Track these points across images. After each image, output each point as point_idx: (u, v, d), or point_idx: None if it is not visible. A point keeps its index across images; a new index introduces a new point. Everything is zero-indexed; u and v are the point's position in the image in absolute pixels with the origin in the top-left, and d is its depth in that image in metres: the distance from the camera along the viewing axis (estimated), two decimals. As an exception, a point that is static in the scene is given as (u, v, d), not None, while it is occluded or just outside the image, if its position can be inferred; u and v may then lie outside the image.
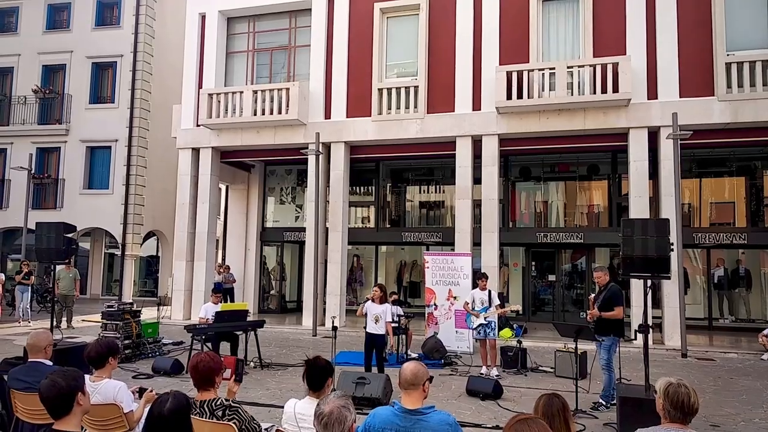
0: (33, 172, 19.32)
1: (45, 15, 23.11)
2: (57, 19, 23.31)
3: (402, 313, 10.83)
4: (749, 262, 16.46)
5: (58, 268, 13.00)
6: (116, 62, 22.12)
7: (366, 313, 8.68)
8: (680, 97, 13.05)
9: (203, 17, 17.29)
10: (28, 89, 22.46)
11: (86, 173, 22.06)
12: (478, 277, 9.88)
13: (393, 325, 10.01)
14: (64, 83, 22.58)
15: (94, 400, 3.77)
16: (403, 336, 10.84)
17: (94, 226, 21.73)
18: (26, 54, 22.88)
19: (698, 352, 12.11)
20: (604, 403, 7.40)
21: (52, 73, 23.04)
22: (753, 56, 12.75)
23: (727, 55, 12.89)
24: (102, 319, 10.69)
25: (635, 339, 12.08)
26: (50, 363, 4.36)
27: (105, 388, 3.96)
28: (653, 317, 12.37)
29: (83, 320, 15.47)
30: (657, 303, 13.22)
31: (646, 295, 6.71)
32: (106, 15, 22.85)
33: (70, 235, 9.55)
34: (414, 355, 10.56)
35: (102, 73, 22.66)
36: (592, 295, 7.82)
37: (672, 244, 6.64)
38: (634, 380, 8.54)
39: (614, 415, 6.59)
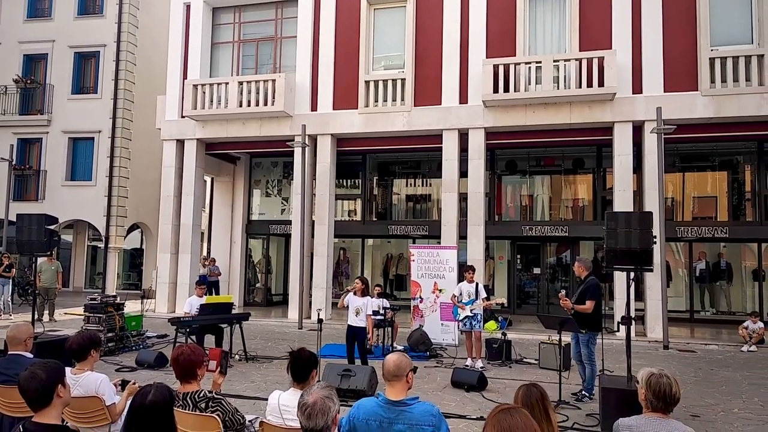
0: (14, 163, 19.00)
1: (26, 3, 22.67)
2: (38, 7, 22.88)
3: (388, 306, 10.85)
4: (730, 256, 16.70)
5: (40, 260, 12.84)
6: (99, 52, 21.80)
7: (347, 305, 8.69)
8: (665, 91, 13.16)
9: (188, 7, 17.08)
10: (9, 79, 22.05)
11: (69, 164, 21.75)
12: (465, 270, 9.91)
13: (378, 317, 10.06)
14: (45, 73, 22.21)
15: (75, 393, 3.73)
16: (389, 328, 10.87)
17: (77, 218, 21.47)
18: (7, 43, 22.45)
19: (680, 343, 12.28)
20: (587, 394, 7.48)
21: (34, 63, 22.66)
22: (736, 51, 12.89)
23: (711, 50, 13.03)
24: (85, 312, 10.59)
25: (618, 331, 12.21)
26: (30, 356, 4.31)
27: (87, 380, 3.93)
28: (636, 309, 12.59)
29: (66, 313, 15.31)
30: (640, 295, 13.38)
31: (629, 287, 6.77)
32: (89, 3, 22.47)
33: (52, 227, 9.41)
34: (400, 348, 10.59)
35: (84, 63, 22.32)
36: (563, 292, 7.86)
37: (655, 237, 6.72)
38: (617, 372, 8.64)
39: (597, 406, 6.66)
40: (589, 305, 7.43)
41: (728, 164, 16.42)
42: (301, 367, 3.60)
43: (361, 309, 8.55)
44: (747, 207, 16.10)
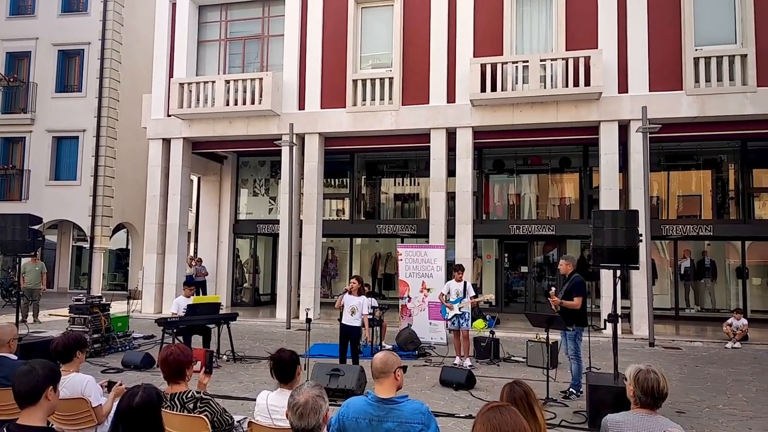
0: (-3, 162, 18.79)
1: (8, 0, 22.35)
2: (21, 4, 22.55)
3: (376, 305, 10.85)
4: (714, 254, 16.89)
5: (24, 261, 12.70)
6: (83, 50, 21.54)
7: (343, 305, 8.68)
8: (650, 91, 13.29)
9: (174, 5, 16.93)
10: (-9, 77, 21.77)
11: (53, 164, 21.47)
12: (455, 269, 9.94)
13: (368, 317, 10.05)
14: (28, 71, 21.90)
15: (61, 395, 3.67)
16: (378, 328, 10.87)
17: (62, 218, 21.21)
18: (-12, 40, 22.14)
19: (665, 341, 12.41)
20: (574, 391, 7.53)
21: (17, 61, 22.33)
22: (720, 51, 13.04)
23: (696, 50, 13.17)
24: (70, 313, 10.47)
25: (605, 328, 12.32)
26: (15, 357, 4.28)
27: (72, 382, 3.88)
28: (622, 307, 12.66)
29: (50, 314, 15.13)
30: (626, 293, 13.48)
31: (615, 285, 6.83)
32: (73, 1, 22.17)
33: (35, 228, 9.31)
34: (388, 347, 10.60)
35: (69, 61, 22.04)
36: (553, 289, 7.92)
37: (641, 235, 6.78)
38: (604, 369, 8.72)
39: (584, 403, 6.71)
40: (577, 301, 7.50)
41: (712, 163, 16.61)
42: (285, 368, 3.61)
43: (357, 308, 8.57)
44: (731, 205, 16.31)
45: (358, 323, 8.60)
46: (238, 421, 3.81)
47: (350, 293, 8.70)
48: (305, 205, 15.63)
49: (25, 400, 2.67)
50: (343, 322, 8.69)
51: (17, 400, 2.69)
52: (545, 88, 13.45)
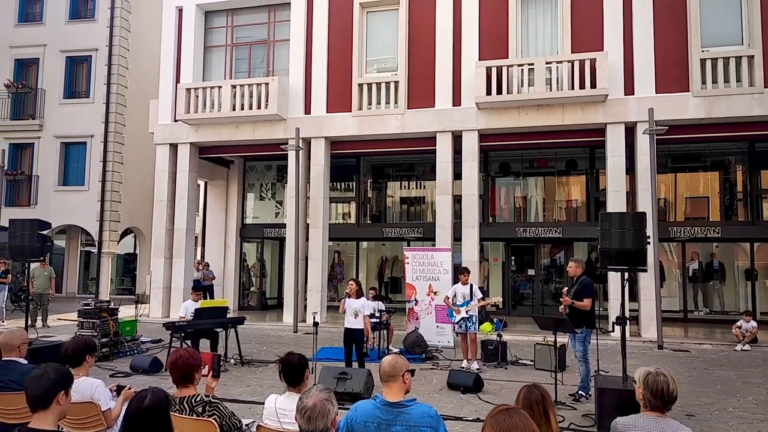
0: (6, 168, 18.92)
1: (17, 7, 22.57)
2: (29, 11, 22.78)
3: (383, 309, 10.83)
4: (723, 256, 16.79)
5: (33, 266, 12.76)
6: (91, 56, 21.72)
7: (345, 309, 8.70)
8: (656, 92, 13.24)
9: (180, 11, 17.04)
10: (0, 84, 21.93)
11: (61, 169, 21.65)
12: (460, 272, 9.93)
13: (373, 320, 10.05)
14: (37, 78, 22.11)
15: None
16: (385, 331, 10.86)
17: (70, 223, 21.34)
18: (-3, 47, 22.34)
19: (674, 343, 12.33)
20: (583, 394, 7.50)
21: (25, 68, 22.56)
22: (727, 52, 12.98)
23: (702, 51, 13.11)
24: (78, 317, 10.52)
25: (613, 331, 12.25)
26: (25, 362, 4.30)
27: (82, 386, 3.91)
28: (630, 310, 12.59)
29: (59, 319, 15.21)
30: (634, 296, 13.42)
31: (623, 287, 6.79)
32: (81, 8, 22.40)
33: (44, 233, 9.37)
34: (395, 350, 10.56)
35: (76, 68, 22.23)
36: (565, 289, 7.91)
37: (648, 237, 6.75)
38: (612, 372, 8.68)
39: (593, 406, 6.68)
40: (587, 302, 7.51)
41: (720, 164, 16.52)
42: (293, 371, 3.62)
43: (359, 311, 8.55)
44: (739, 207, 16.21)
45: (361, 326, 8.58)
46: (247, 425, 3.82)
47: (350, 296, 8.70)
48: (312, 209, 15.65)
49: (37, 403, 2.69)
50: (345, 325, 8.69)
51: (29, 404, 2.71)
52: (551, 90, 13.43)
